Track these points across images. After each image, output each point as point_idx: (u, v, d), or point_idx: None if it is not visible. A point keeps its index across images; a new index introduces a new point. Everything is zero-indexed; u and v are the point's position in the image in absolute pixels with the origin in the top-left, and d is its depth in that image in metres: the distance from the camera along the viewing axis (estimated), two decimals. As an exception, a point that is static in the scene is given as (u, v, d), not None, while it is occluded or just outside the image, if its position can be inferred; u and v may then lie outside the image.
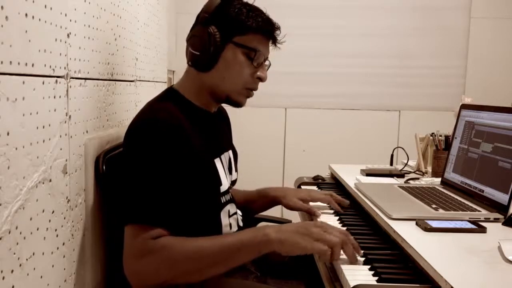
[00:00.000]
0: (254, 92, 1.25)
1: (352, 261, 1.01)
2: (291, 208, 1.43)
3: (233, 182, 1.35)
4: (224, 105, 1.32)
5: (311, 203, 1.45)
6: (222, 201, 1.22)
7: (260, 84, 1.25)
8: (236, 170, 1.37)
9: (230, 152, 1.35)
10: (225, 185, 1.22)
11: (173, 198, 1.06)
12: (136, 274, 1.03)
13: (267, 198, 1.46)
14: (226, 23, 1.16)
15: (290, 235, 1.01)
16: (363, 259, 1.04)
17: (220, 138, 1.32)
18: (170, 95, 1.22)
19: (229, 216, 1.24)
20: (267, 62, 1.25)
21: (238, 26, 1.17)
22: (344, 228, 1.23)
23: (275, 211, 1.53)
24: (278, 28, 1.22)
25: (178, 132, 1.09)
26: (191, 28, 1.23)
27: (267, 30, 1.20)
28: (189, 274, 1.04)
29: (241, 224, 1.31)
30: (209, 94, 1.23)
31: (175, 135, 1.08)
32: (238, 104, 1.24)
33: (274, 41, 1.23)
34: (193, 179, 1.11)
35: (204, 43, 1.16)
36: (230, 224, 1.24)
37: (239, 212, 1.33)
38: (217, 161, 1.22)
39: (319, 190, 1.72)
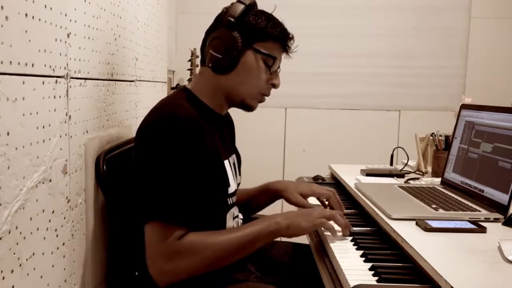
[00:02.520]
0: (266, 97, 1.28)
1: (344, 233, 1.20)
2: (291, 202, 1.43)
3: (237, 185, 1.35)
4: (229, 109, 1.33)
5: (312, 198, 1.45)
6: (229, 203, 1.23)
7: None
8: (240, 174, 1.38)
9: (235, 156, 1.36)
10: (232, 187, 1.24)
11: (193, 195, 1.09)
12: (168, 275, 1.07)
13: (269, 192, 1.47)
14: (249, 28, 1.19)
15: (294, 219, 1.15)
16: (361, 254, 1.05)
17: (228, 141, 1.34)
18: (183, 95, 1.23)
19: (233, 218, 1.26)
20: (279, 69, 1.27)
21: (260, 33, 1.20)
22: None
23: (274, 210, 1.53)
24: (293, 38, 1.26)
25: (195, 130, 1.11)
26: (210, 30, 1.24)
27: (285, 39, 1.24)
28: (214, 264, 1.10)
29: None
30: (223, 97, 1.24)
31: (192, 132, 1.10)
32: (250, 108, 1.27)
33: (287, 51, 1.26)
34: (207, 177, 1.12)
35: (227, 46, 1.17)
36: (233, 227, 1.24)
37: (240, 215, 1.34)
38: (226, 163, 1.23)
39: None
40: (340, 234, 1.20)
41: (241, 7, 1.19)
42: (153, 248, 1.06)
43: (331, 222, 1.19)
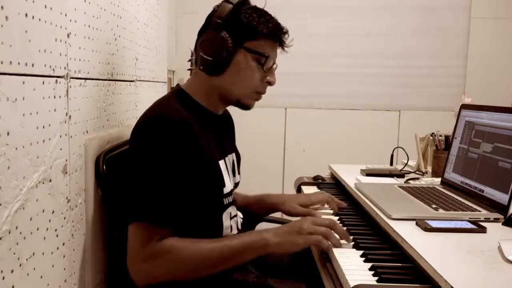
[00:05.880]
0: (262, 95, 1.27)
1: (338, 246, 1.11)
2: (290, 214, 1.43)
3: (236, 185, 1.35)
4: (229, 107, 1.33)
5: (310, 207, 1.45)
6: (225, 203, 1.22)
7: None
8: (239, 173, 1.38)
9: (234, 155, 1.36)
10: (228, 187, 1.23)
11: (179, 197, 1.08)
12: (143, 275, 1.06)
13: (265, 205, 1.47)
14: (238, 28, 1.17)
15: (286, 236, 1.09)
16: (361, 254, 1.05)
17: (225, 140, 1.33)
18: (177, 95, 1.22)
19: (230, 218, 1.25)
20: (274, 65, 1.26)
21: (250, 32, 1.18)
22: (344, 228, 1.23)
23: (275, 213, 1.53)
24: (287, 32, 1.24)
25: (186, 131, 1.10)
26: (201, 32, 1.23)
27: (277, 35, 1.22)
28: (193, 273, 1.08)
29: (240, 227, 1.32)
30: (218, 97, 1.24)
31: (183, 134, 1.09)
32: (247, 107, 1.27)
33: (282, 46, 1.25)
34: (199, 179, 1.12)
35: (217, 48, 1.16)
36: (231, 227, 1.24)
37: (239, 214, 1.34)
38: (221, 163, 1.22)
39: (318, 190, 1.72)
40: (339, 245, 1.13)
41: (228, 7, 1.17)
42: (132, 247, 1.06)
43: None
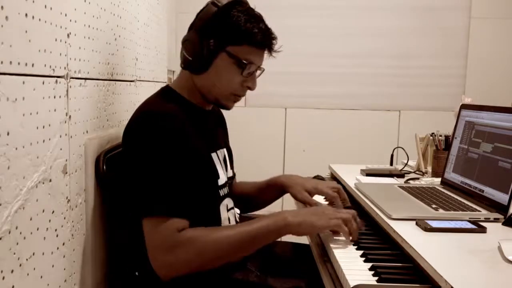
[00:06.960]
0: (241, 97, 1.28)
1: (354, 237, 1.14)
2: (296, 198, 1.44)
3: (229, 179, 1.36)
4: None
5: (317, 196, 1.46)
6: (221, 194, 1.24)
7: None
8: (231, 168, 1.38)
9: (225, 150, 1.36)
10: (222, 179, 1.25)
11: (181, 188, 1.09)
12: (167, 267, 1.06)
13: (276, 186, 1.47)
14: (221, 31, 1.17)
15: (307, 217, 1.12)
16: (361, 254, 1.05)
17: (215, 135, 1.35)
18: (164, 93, 1.26)
19: (227, 210, 1.26)
20: (258, 72, 1.25)
21: (233, 37, 1.18)
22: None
23: (275, 208, 1.53)
24: (275, 38, 1.23)
25: (175, 123, 1.13)
26: (187, 31, 1.24)
27: (262, 43, 1.21)
28: (217, 261, 1.10)
29: (238, 220, 1.33)
30: (200, 95, 1.26)
31: (172, 126, 1.12)
32: (225, 107, 1.29)
33: (270, 51, 1.24)
34: (194, 171, 1.14)
35: (197, 49, 1.18)
36: (229, 219, 1.25)
37: (236, 210, 1.34)
38: (213, 155, 1.24)
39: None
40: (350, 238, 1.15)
41: (213, 9, 1.17)
42: (153, 242, 1.06)
43: None
